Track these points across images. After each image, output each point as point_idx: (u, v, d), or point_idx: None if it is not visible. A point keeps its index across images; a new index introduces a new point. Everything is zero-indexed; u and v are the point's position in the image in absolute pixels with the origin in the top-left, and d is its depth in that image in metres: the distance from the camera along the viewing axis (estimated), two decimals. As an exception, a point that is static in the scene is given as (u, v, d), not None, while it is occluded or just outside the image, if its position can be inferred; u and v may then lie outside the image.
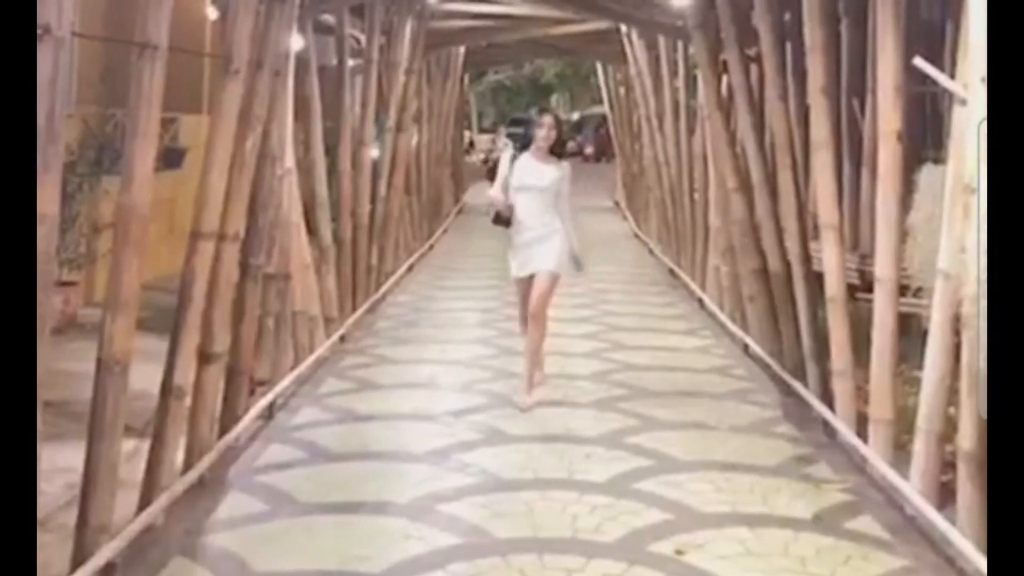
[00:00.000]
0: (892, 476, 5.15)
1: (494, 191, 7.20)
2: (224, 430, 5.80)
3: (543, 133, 7.12)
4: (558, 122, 7.35)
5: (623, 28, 15.48)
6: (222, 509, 5.09)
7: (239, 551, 4.55)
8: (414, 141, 14.90)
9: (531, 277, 7.06)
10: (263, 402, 6.50)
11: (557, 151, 7.20)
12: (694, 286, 11.57)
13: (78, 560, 3.96)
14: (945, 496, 4.69)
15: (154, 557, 4.48)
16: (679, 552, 4.56)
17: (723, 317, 9.67)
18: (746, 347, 8.62)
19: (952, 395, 4.63)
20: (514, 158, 7.16)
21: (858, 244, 8.88)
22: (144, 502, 4.65)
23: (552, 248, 7.03)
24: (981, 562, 4.06)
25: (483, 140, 34.01)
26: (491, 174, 7.44)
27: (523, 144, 7.26)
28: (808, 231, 7.36)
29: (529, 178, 7.05)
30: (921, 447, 4.86)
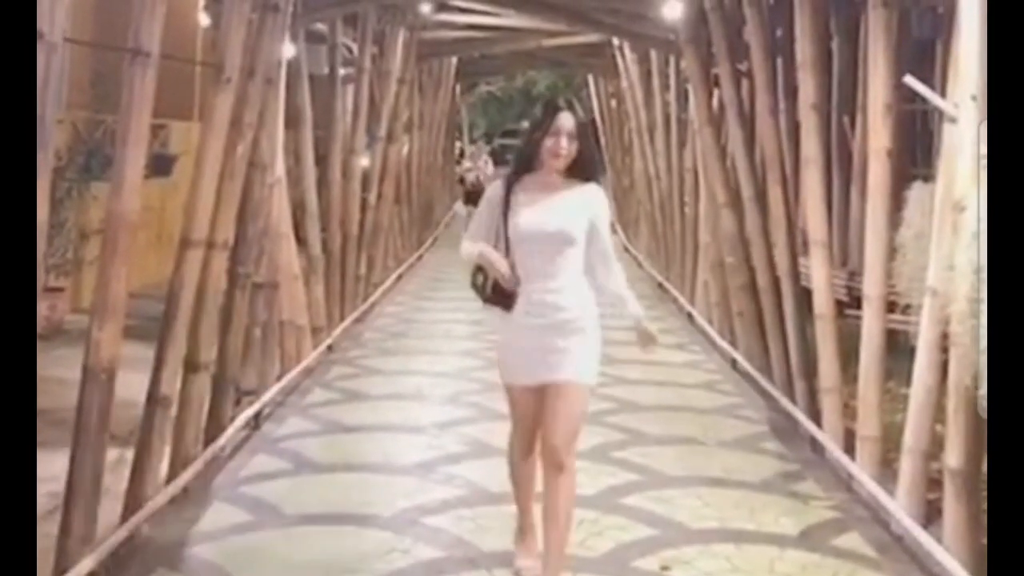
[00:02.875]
0: (879, 493, 5.15)
1: (471, 245, 4.28)
2: (209, 440, 5.76)
3: (552, 144, 4.12)
4: (581, 127, 4.17)
5: (615, 41, 15.54)
6: (206, 520, 5.05)
7: (223, 563, 4.52)
8: (405, 151, 14.92)
9: (541, 386, 4.16)
10: (249, 412, 6.47)
11: (586, 174, 4.20)
12: (683, 300, 11.58)
13: (60, 570, 3.93)
14: (932, 514, 4.69)
15: (137, 568, 4.44)
16: (664, 568, 4.54)
17: (712, 332, 9.67)
18: (734, 362, 8.62)
19: (939, 412, 4.63)
20: (509, 188, 4.21)
21: (847, 260, 8.91)
22: (128, 512, 4.62)
23: (585, 342, 4.15)
24: (967, 581, 4.05)
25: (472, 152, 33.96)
26: (468, 197, 5.39)
27: (519, 162, 4.26)
28: (797, 247, 7.36)
29: (535, 218, 4.12)
30: (907, 464, 4.86)
